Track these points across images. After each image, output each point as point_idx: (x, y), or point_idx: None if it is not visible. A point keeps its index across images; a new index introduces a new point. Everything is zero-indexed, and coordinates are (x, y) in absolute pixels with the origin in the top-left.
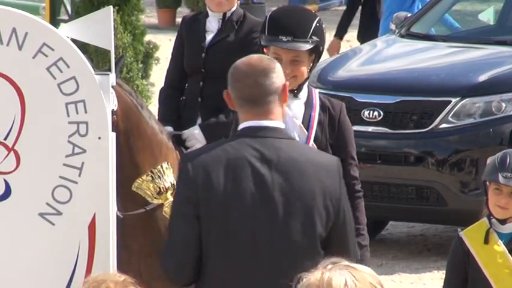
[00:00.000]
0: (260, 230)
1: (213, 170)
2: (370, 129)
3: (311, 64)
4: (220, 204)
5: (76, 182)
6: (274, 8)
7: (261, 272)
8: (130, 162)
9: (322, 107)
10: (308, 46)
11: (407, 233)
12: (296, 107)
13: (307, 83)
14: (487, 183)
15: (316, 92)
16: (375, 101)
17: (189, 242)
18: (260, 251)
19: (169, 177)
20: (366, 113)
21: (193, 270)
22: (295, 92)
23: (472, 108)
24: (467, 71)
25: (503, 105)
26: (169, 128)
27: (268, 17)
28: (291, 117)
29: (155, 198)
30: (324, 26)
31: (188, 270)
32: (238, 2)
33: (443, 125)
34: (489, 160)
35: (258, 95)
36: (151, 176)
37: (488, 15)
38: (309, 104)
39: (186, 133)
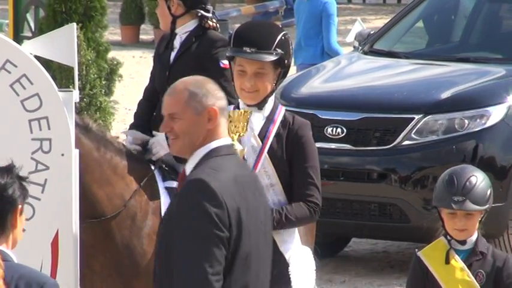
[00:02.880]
0: (262, 242)
1: (231, 191)
2: (333, 146)
3: (276, 79)
4: (243, 224)
5: (39, 199)
6: (237, 25)
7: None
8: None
9: (284, 122)
10: (272, 58)
11: (370, 249)
12: (256, 119)
13: (272, 97)
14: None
15: (282, 109)
16: (338, 118)
17: (222, 263)
18: (262, 262)
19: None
20: (329, 129)
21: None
22: (259, 105)
23: (434, 125)
24: (430, 88)
25: (466, 122)
26: (137, 134)
27: (234, 31)
28: (249, 128)
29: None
30: (290, 40)
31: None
32: (195, 20)
33: (406, 142)
34: (437, 182)
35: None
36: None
37: (356, 30)
38: (270, 119)
39: (152, 140)
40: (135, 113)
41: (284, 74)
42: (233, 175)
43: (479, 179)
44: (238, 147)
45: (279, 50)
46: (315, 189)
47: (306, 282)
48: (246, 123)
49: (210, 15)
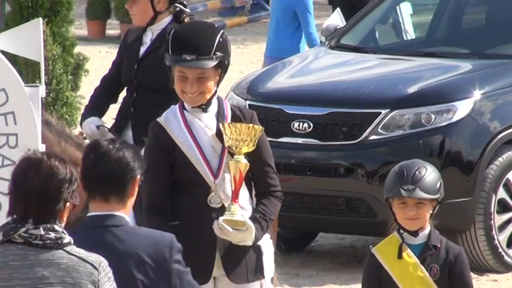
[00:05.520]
0: None
1: None
2: (299, 140)
3: (217, 78)
4: None
5: (6, 194)
6: (206, 21)
7: None
8: None
9: (234, 117)
10: (213, 63)
11: (337, 244)
12: (207, 119)
13: (216, 95)
14: (391, 199)
15: (227, 103)
16: (304, 113)
17: None
18: None
19: None
20: (296, 124)
21: None
22: (203, 108)
23: (401, 119)
24: (396, 83)
25: (433, 116)
26: (94, 120)
27: (171, 36)
28: (203, 129)
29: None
30: (227, 39)
31: None
32: (170, 15)
33: (373, 137)
34: (388, 176)
35: None
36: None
37: (334, 19)
38: (220, 116)
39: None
40: (91, 96)
41: (224, 72)
42: None
43: (428, 170)
44: (243, 161)
45: (219, 53)
46: (275, 177)
47: (271, 269)
48: (255, 141)
49: (188, 10)
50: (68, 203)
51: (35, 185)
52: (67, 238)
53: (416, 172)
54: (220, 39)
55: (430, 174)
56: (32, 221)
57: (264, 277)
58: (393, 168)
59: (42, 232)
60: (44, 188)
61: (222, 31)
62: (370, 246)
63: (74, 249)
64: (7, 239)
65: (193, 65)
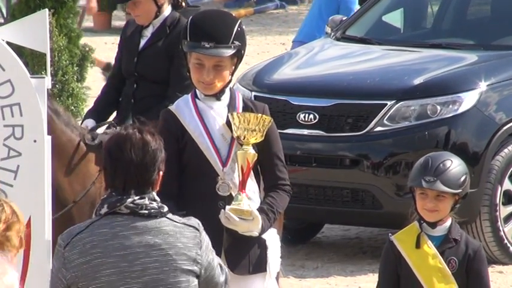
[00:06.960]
0: None
1: None
2: (305, 132)
3: (233, 67)
4: None
5: (11, 185)
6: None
7: None
8: None
9: (245, 108)
10: (230, 51)
11: (343, 235)
12: (219, 108)
13: (229, 86)
14: (413, 188)
15: (239, 95)
16: (310, 104)
17: None
18: None
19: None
20: (302, 116)
21: None
22: (217, 96)
23: (407, 111)
24: (402, 74)
25: (438, 108)
26: (90, 122)
27: (189, 22)
28: (214, 117)
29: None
30: (244, 29)
31: None
32: (169, 6)
33: (379, 128)
34: (414, 165)
35: None
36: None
37: (395, 18)
38: (232, 106)
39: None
40: (98, 99)
41: (239, 62)
42: None
43: (454, 164)
44: (251, 151)
45: (237, 43)
46: (285, 171)
47: (277, 264)
48: (264, 132)
49: None
50: (160, 172)
51: (132, 157)
52: (166, 207)
53: (441, 164)
54: (238, 29)
55: (455, 168)
56: (134, 192)
57: (266, 270)
58: (420, 159)
59: (147, 202)
60: (141, 159)
61: (239, 21)
62: (389, 234)
63: (172, 216)
64: (112, 210)
65: (212, 52)
